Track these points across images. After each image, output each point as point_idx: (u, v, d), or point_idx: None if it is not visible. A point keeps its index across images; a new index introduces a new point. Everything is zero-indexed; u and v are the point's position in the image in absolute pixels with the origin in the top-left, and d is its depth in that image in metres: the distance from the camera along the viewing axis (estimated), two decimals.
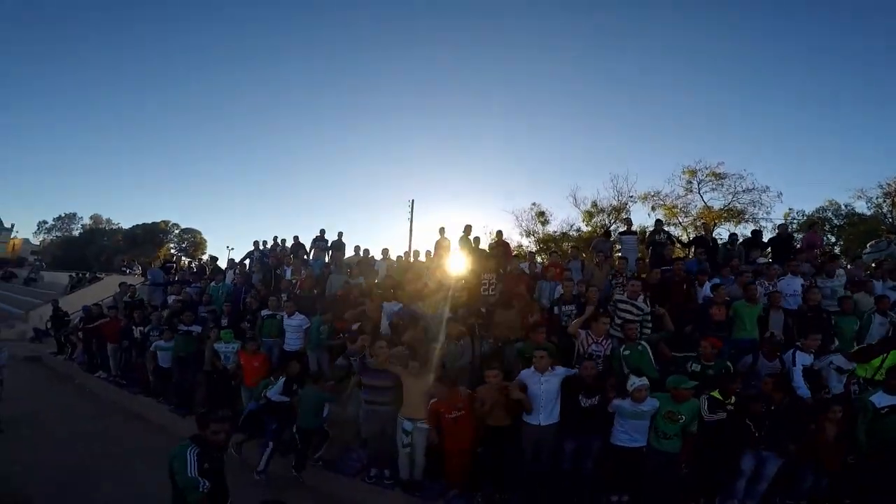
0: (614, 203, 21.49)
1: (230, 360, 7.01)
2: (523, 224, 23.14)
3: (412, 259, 10.26)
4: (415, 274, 8.33)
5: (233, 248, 32.07)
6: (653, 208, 20.61)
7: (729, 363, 5.03)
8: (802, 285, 6.47)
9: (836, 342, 5.71)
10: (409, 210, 24.83)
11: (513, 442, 4.69)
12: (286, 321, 7.44)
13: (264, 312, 7.88)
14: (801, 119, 42.63)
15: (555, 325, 6.12)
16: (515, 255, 11.88)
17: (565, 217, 23.74)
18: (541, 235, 22.51)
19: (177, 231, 53.52)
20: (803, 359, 4.99)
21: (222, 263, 14.43)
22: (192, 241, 52.24)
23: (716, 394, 4.60)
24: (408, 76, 63.81)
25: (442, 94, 59.41)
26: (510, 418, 4.68)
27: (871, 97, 44.30)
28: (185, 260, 25.16)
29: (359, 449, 5.73)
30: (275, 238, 12.43)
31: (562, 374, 4.62)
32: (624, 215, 20.14)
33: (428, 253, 10.22)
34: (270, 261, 10.86)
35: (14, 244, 47.77)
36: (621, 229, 13.90)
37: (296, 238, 12.40)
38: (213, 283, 10.53)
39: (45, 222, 59.81)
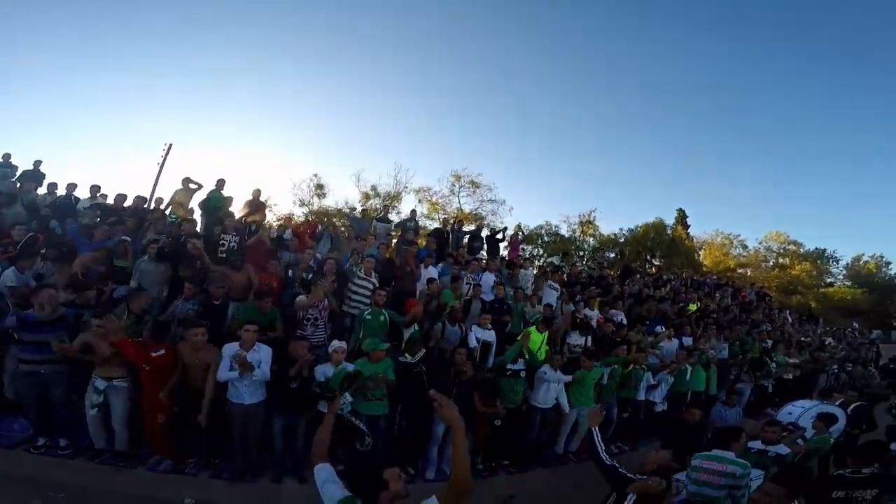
0: (391, 191, 23.35)
1: None
2: (299, 194, 22.61)
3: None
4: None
5: None
6: (419, 201, 23.40)
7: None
8: (495, 281, 8.21)
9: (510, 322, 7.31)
10: (163, 153, 20.36)
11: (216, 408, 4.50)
12: None
13: None
14: (544, 144, 52.26)
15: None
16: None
17: (346, 195, 23.92)
18: (315, 208, 22.31)
19: None
20: (478, 332, 6.30)
21: None
22: None
23: (407, 355, 5.19)
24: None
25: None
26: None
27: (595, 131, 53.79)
28: None
29: (21, 419, 4.71)
30: None
31: (267, 352, 4.45)
32: (395, 204, 22.08)
33: (159, 199, 9.01)
34: None
35: None
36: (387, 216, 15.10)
37: None
38: None
39: None
